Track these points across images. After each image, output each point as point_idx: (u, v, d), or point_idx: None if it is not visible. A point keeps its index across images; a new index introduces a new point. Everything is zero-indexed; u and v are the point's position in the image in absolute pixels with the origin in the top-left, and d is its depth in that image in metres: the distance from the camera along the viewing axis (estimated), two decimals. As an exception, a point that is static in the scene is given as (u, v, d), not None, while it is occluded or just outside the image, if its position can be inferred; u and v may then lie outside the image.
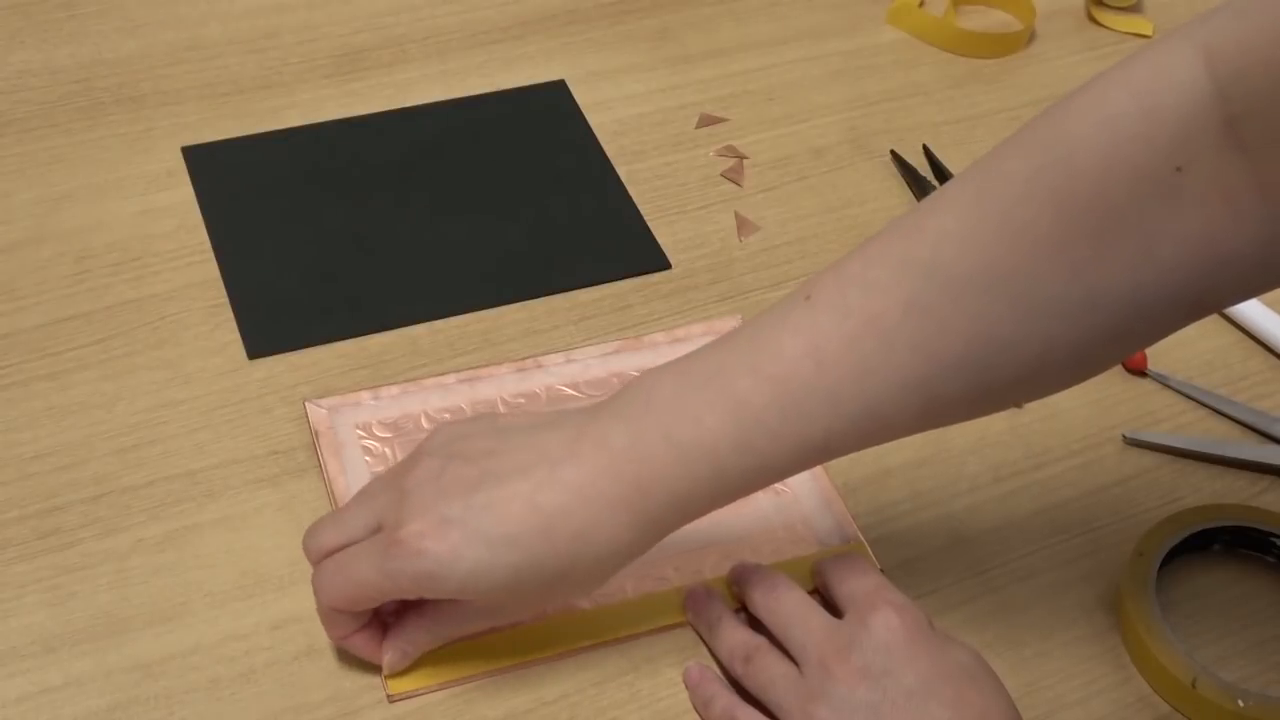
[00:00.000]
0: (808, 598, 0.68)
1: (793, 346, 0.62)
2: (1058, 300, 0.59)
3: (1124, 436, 0.80)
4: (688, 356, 0.65)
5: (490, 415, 0.68)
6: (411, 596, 0.64)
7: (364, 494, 0.67)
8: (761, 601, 0.68)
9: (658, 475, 0.62)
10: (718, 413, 0.62)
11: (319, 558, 0.66)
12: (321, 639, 0.69)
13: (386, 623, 0.68)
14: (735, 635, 0.68)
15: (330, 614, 0.66)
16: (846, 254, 0.63)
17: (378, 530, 0.64)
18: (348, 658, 0.68)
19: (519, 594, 0.63)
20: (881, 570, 0.73)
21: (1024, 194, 0.59)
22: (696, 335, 0.83)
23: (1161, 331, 0.63)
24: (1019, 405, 0.80)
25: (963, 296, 0.60)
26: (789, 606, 0.67)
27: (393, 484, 0.65)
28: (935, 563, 0.74)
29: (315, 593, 0.66)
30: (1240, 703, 0.67)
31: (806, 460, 0.63)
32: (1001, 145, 0.62)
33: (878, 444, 0.65)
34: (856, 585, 0.67)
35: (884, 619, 0.64)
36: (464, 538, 0.61)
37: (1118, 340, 0.62)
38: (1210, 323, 0.85)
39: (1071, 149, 0.59)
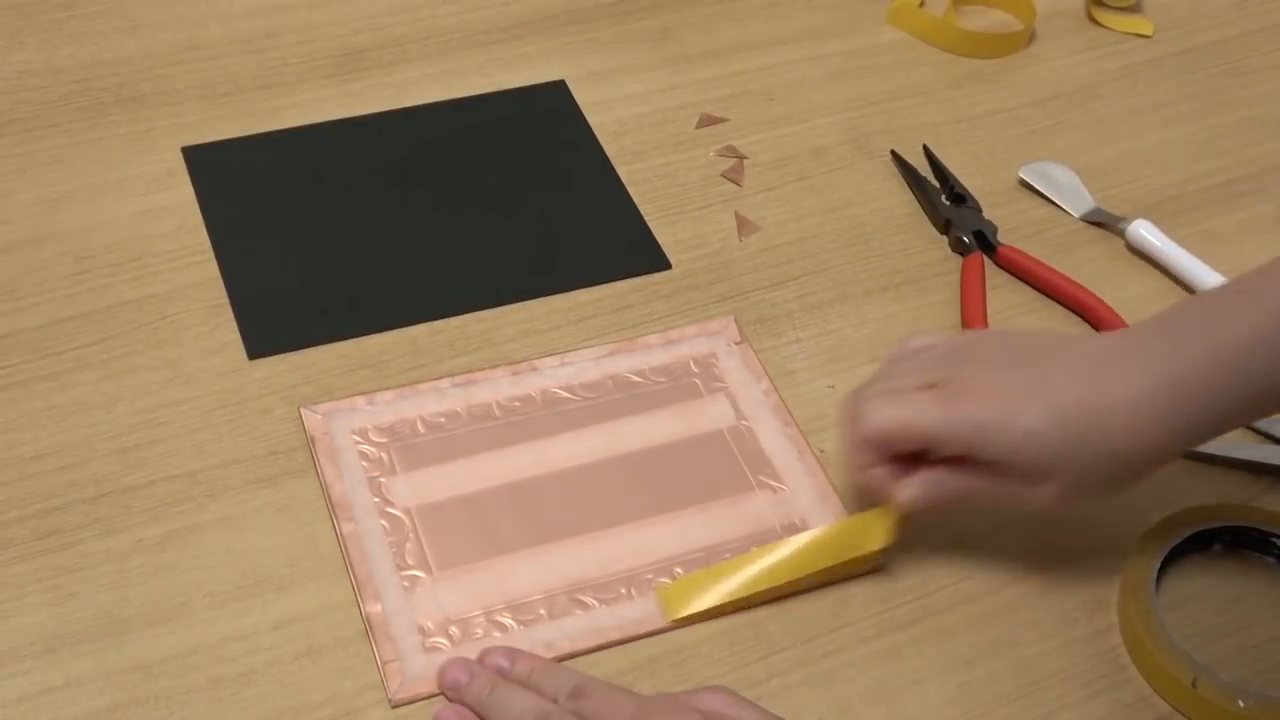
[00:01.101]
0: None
1: None
2: None
3: (1124, 436, 0.80)
4: (1220, 285, 0.68)
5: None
6: (957, 450, 0.67)
7: (912, 363, 0.71)
8: None
9: (1198, 381, 0.65)
10: (1258, 316, 0.65)
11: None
12: (321, 639, 0.69)
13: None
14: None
15: (864, 442, 0.69)
16: None
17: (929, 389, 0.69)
18: (348, 658, 0.68)
19: (1059, 471, 0.66)
20: (880, 568, 0.73)
21: None
22: (690, 336, 0.83)
23: None
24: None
25: None
26: None
27: (945, 358, 0.70)
28: (935, 563, 0.74)
29: (857, 420, 0.69)
30: (1240, 703, 0.67)
31: None
32: None
33: None
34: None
35: None
36: (1027, 402, 0.66)
37: None
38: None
39: None
